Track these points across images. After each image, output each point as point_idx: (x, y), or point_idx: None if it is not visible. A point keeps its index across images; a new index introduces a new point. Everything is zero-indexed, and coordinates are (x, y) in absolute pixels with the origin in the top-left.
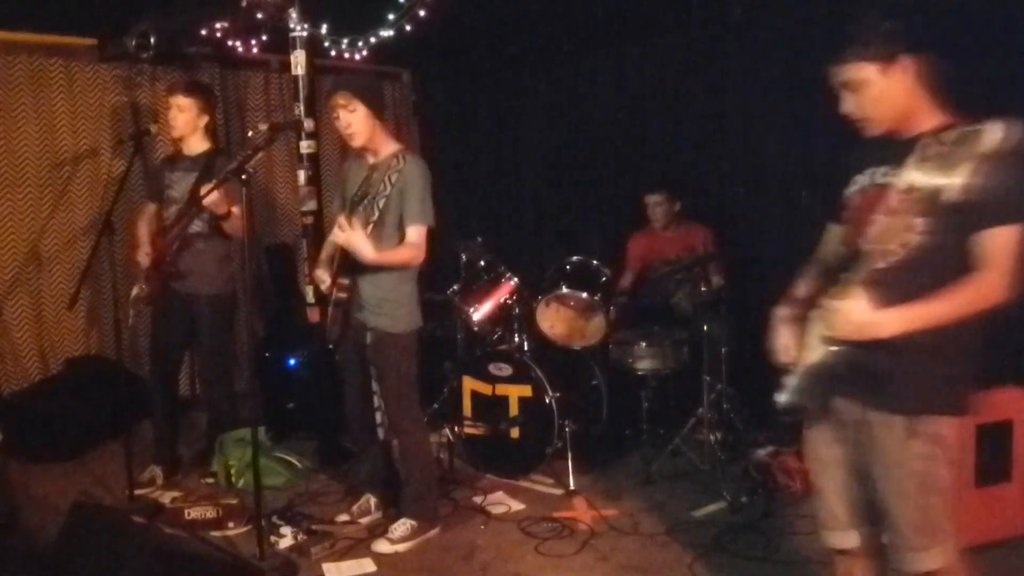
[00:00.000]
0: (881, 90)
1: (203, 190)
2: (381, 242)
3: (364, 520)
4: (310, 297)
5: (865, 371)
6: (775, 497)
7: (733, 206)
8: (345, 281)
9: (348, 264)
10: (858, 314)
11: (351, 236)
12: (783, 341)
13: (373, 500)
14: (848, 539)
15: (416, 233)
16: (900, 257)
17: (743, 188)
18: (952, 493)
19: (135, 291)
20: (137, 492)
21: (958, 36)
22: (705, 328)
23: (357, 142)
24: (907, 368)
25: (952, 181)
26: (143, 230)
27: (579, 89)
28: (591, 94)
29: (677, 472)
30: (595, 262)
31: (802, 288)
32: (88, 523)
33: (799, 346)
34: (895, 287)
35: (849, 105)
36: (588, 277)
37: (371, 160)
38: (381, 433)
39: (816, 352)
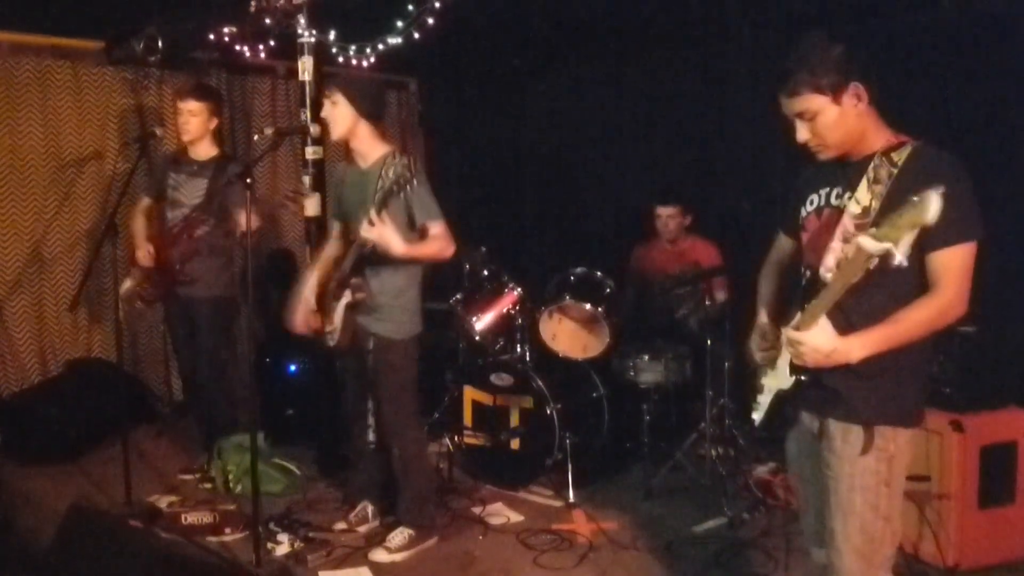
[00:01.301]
0: (835, 117)
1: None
2: None
3: (362, 529)
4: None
5: (825, 388)
6: (776, 514)
7: (738, 221)
8: (359, 282)
9: (359, 268)
10: (823, 342)
11: (383, 231)
12: (759, 344)
13: (371, 508)
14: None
15: (438, 227)
16: (858, 281)
17: (748, 203)
18: (896, 518)
19: (126, 284)
20: (184, 477)
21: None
22: (708, 342)
23: (333, 134)
24: (865, 384)
25: (897, 247)
26: (140, 225)
27: (585, 100)
28: (597, 105)
29: (677, 487)
30: (599, 273)
31: (763, 294)
32: (85, 526)
33: (771, 356)
34: (855, 310)
35: (803, 134)
36: (592, 288)
37: (362, 165)
38: (371, 436)
39: (784, 380)
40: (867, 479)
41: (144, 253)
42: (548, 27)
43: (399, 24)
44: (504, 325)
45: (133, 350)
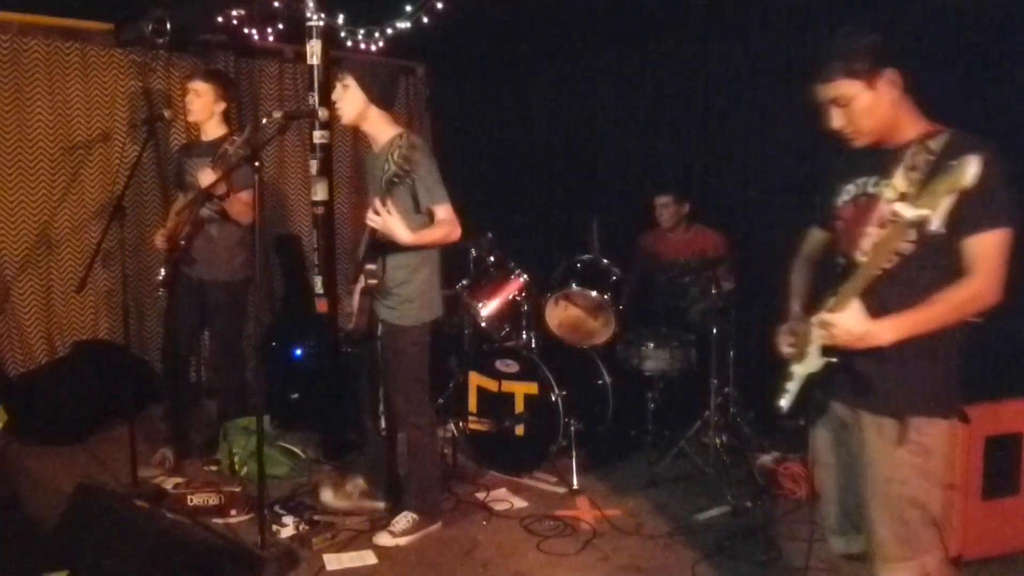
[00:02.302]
0: (869, 103)
1: (201, 174)
2: None
3: (343, 504)
4: (318, 287)
5: (857, 375)
6: (779, 503)
7: (745, 210)
8: (373, 267)
9: (375, 252)
10: (855, 324)
11: (388, 222)
12: (787, 339)
13: (361, 486)
14: (853, 543)
15: (444, 211)
16: (893, 266)
17: (756, 192)
18: (936, 508)
19: (161, 273)
20: (145, 474)
21: (929, 46)
22: (713, 331)
23: (342, 119)
24: (897, 371)
25: (935, 213)
26: (172, 214)
27: (593, 87)
28: (605, 92)
29: (681, 474)
30: (605, 261)
31: (796, 287)
32: (91, 507)
33: (800, 349)
34: (889, 295)
35: (838, 120)
36: (598, 276)
37: (374, 149)
38: (383, 423)
39: (814, 363)
40: (904, 471)
41: (158, 237)
42: (556, 14)
43: (407, 9)
44: (510, 311)
45: (140, 332)
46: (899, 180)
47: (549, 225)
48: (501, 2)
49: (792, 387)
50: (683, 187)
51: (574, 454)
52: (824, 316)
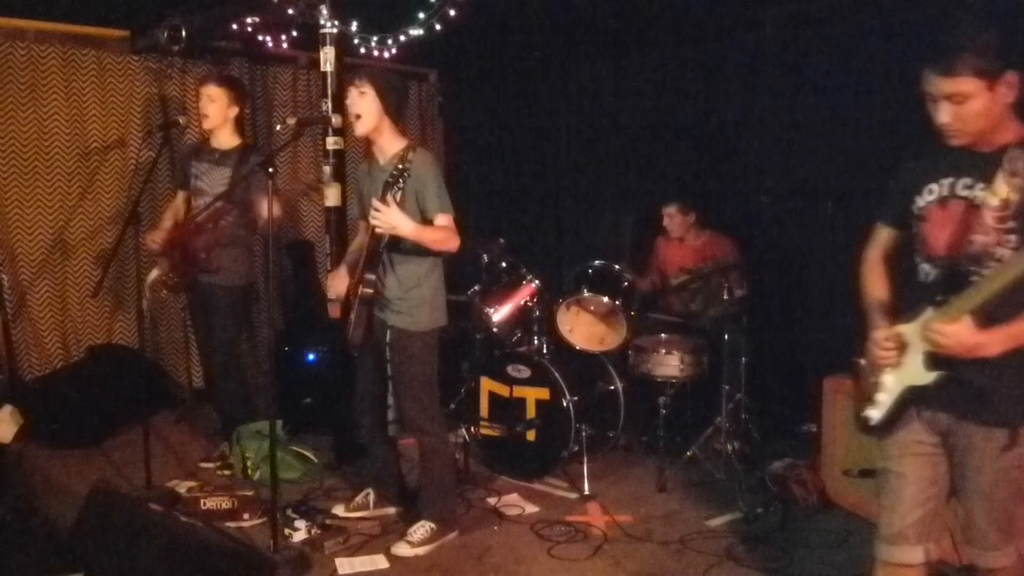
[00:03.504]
0: (985, 105)
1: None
2: None
3: (358, 514)
4: (331, 293)
5: (965, 386)
6: (790, 510)
7: (757, 216)
8: (371, 277)
9: (374, 261)
10: (966, 337)
11: (389, 214)
12: (881, 347)
13: (372, 496)
14: (915, 554)
15: (447, 219)
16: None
17: (766, 198)
18: None
19: (153, 273)
20: (204, 465)
21: None
22: (726, 337)
23: (360, 129)
24: (1007, 382)
25: None
26: (167, 215)
27: (604, 93)
28: (616, 98)
29: (693, 481)
30: (617, 266)
31: (877, 292)
32: (105, 510)
33: (897, 358)
34: (993, 304)
35: (946, 116)
36: (610, 281)
37: (380, 161)
38: (391, 431)
39: (918, 375)
40: (1011, 473)
41: (152, 239)
42: (568, 20)
43: (420, 16)
44: (521, 317)
45: (154, 337)
46: (999, 185)
47: (561, 231)
48: (512, 9)
49: (884, 398)
50: (689, 195)
51: (585, 459)
52: (936, 326)
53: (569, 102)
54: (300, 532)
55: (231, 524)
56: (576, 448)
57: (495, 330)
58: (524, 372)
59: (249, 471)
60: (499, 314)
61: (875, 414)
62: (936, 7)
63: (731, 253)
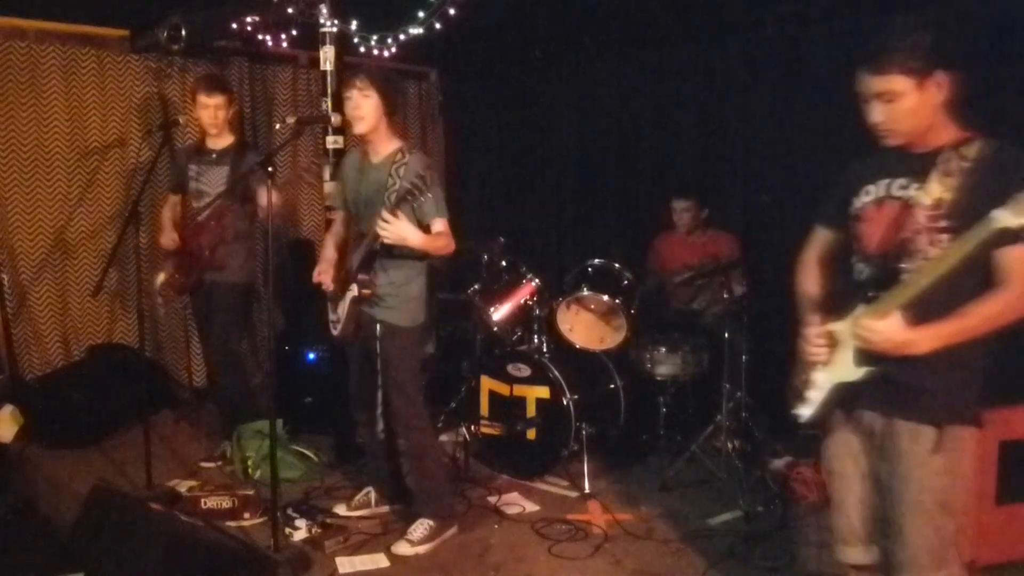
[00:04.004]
0: (915, 104)
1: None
2: None
3: (359, 513)
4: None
5: (894, 384)
6: (791, 508)
7: (757, 214)
8: (366, 278)
9: (368, 261)
10: (897, 333)
11: (399, 227)
12: (813, 344)
13: (374, 495)
14: (866, 554)
15: (443, 224)
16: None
17: (767, 196)
18: (964, 518)
19: (160, 277)
20: (205, 464)
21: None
22: (726, 335)
23: (360, 128)
24: (936, 380)
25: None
26: (166, 215)
27: (605, 91)
28: (617, 96)
29: (693, 479)
30: (617, 265)
31: (812, 291)
32: (106, 509)
33: (829, 355)
34: (926, 303)
35: (878, 115)
36: (610, 280)
37: (373, 160)
38: (380, 427)
39: (847, 371)
40: (938, 480)
41: (167, 239)
42: (568, 18)
43: (420, 15)
44: (521, 316)
45: (154, 336)
46: (933, 185)
47: (561, 230)
48: (512, 7)
49: (815, 395)
50: (702, 191)
51: (586, 458)
52: (865, 323)
53: (569, 101)
54: (300, 531)
55: (231, 523)
56: (576, 447)
57: (495, 329)
58: (524, 371)
59: (250, 470)
60: (499, 313)
61: (806, 412)
62: (936, 7)
63: (734, 251)
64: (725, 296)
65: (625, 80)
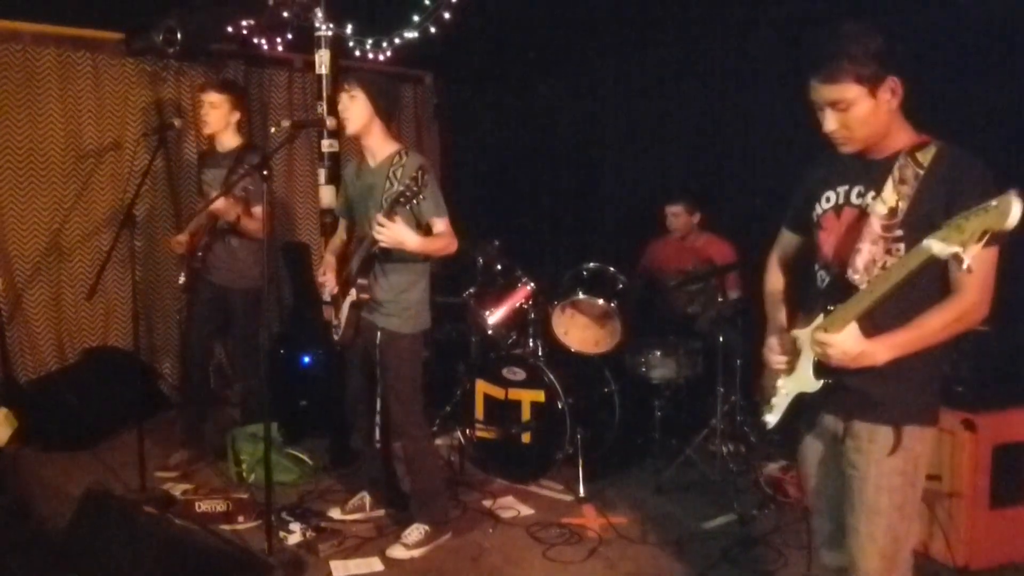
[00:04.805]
0: (868, 111)
1: (213, 196)
2: None
3: (353, 517)
4: (326, 295)
5: (852, 390)
6: (785, 511)
7: (751, 218)
8: (364, 282)
9: (367, 266)
10: (852, 346)
11: (395, 231)
12: (776, 352)
13: (368, 499)
14: (842, 558)
15: (444, 224)
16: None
17: (760, 200)
18: (916, 518)
19: (181, 279)
20: (160, 475)
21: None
22: (720, 339)
23: (349, 129)
24: (892, 384)
25: (966, 251)
26: (194, 220)
27: (600, 95)
28: (611, 99)
29: (688, 483)
30: (612, 269)
31: (777, 297)
32: (100, 512)
33: (790, 364)
34: (881, 313)
35: (832, 124)
36: (605, 284)
37: (371, 164)
38: (377, 434)
39: (807, 382)
40: (894, 480)
41: (176, 240)
42: (563, 22)
43: (415, 18)
44: (517, 319)
45: (149, 339)
46: (888, 193)
47: (556, 233)
48: (507, 11)
49: (779, 402)
50: (694, 196)
51: (581, 462)
52: (820, 336)
53: (564, 104)
54: (295, 535)
55: (226, 527)
56: (571, 450)
57: (490, 332)
58: (519, 374)
59: (244, 474)
60: (494, 316)
61: (771, 419)
62: (936, 7)
63: (728, 255)
64: (720, 300)
65: (620, 82)
